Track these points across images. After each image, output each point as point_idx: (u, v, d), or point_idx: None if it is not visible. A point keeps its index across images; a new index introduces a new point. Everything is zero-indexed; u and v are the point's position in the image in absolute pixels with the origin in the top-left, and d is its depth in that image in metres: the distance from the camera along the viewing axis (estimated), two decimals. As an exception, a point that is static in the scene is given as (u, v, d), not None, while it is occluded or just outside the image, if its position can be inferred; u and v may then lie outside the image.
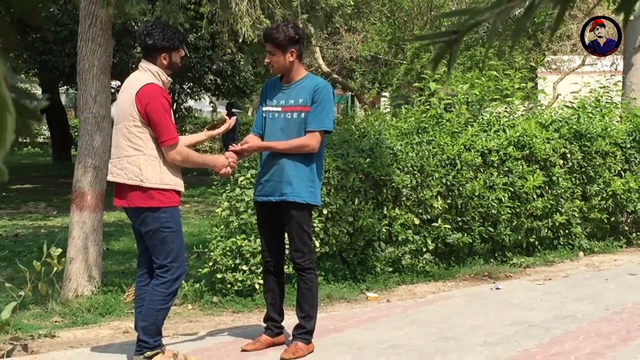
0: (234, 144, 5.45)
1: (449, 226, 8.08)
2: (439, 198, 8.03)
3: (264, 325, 5.59)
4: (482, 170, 8.48)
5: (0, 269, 8.44)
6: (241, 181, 6.94)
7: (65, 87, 26.17)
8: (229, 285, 6.81)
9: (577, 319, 6.33)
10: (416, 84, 11.20)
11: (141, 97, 4.88)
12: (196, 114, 33.81)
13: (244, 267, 6.78)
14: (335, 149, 7.47)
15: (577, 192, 9.39)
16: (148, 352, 4.97)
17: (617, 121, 10.52)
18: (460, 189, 8.17)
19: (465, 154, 8.31)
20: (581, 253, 9.34)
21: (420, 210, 7.91)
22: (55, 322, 6.27)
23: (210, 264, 6.87)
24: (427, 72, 11.10)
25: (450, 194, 8.15)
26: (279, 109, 5.32)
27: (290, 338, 5.46)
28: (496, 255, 8.75)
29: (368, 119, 9.56)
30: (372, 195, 7.60)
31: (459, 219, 8.23)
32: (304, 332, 5.36)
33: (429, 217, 7.98)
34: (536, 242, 9.06)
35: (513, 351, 5.42)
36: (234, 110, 24.31)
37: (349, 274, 7.54)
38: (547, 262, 8.90)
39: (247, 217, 6.79)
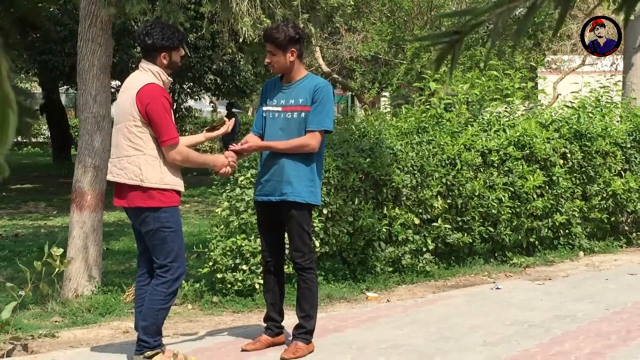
0: (234, 144, 5.45)
1: (449, 226, 8.08)
2: (439, 198, 8.03)
3: (264, 325, 5.59)
4: (482, 170, 8.48)
5: (0, 268, 8.44)
6: (241, 181, 6.94)
7: (65, 86, 26.17)
8: (229, 285, 6.81)
9: (577, 319, 6.33)
10: (416, 84, 11.21)
11: (142, 97, 4.88)
12: (196, 114, 33.81)
13: (244, 267, 6.78)
14: (335, 148, 7.47)
15: (577, 192, 9.39)
16: (148, 352, 4.97)
17: (617, 121, 10.51)
18: (461, 188, 8.17)
19: (465, 153, 8.31)
20: (581, 253, 9.34)
21: (421, 210, 7.91)
22: (55, 322, 6.27)
23: (210, 263, 6.86)
24: (427, 71, 11.10)
25: (450, 193, 8.15)
26: (279, 108, 5.32)
27: (291, 338, 5.46)
28: (496, 255, 8.75)
29: (368, 119, 9.56)
30: (372, 195, 7.60)
31: (459, 218, 8.23)
32: (304, 332, 5.36)
33: (429, 217, 7.98)
34: (536, 242, 9.06)
35: (513, 351, 5.42)
36: (234, 110, 24.31)
37: (349, 274, 7.54)
38: (547, 262, 8.90)
39: (247, 217, 6.79)
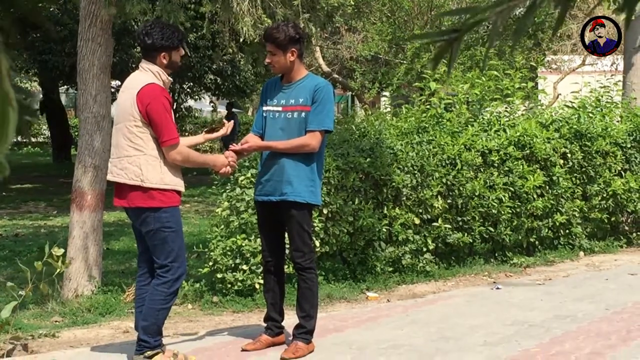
0: (234, 144, 5.45)
1: (449, 226, 8.08)
2: (439, 198, 8.03)
3: (264, 325, 5.59)
4: (482, 170, 8.48)
5: (0, 268, 8.44)
6: (241, 181, 6.94)
7: (65, 86, 26.17)
8: (229, 285, 6.81)
9: (577, 319, 6.33)
10: (416, 84, 11.21)
11: (142, 97, 4.88)
12: (196, 114, 33.81)
13: (244, 267, 6.78)
14: (335, 148, 7.47)
15: (578, 192, 9.38)
16: (148, 352, 4.97)
17: (618, 121, 10.51)
18: (461, 188, 8.17)
19: (465, 153, 8.30)
20: (581, 253, 9.34)
21: (421, 210, 7.91)
22: (56, 321, 6.27)
23: (211, 263, 6.86)
24: (427, 71, 11.10)
25: (450, 193, 8.15)
26: (280, 108, 5.32)
27: (291, 338, 5.46)
28: (496, 255, 8.75)
29: (368, 119, 9.56)
30: (372, 195, 7.60)
31: (459, 218, 8.23)
32: (304, 331, 5.36)
33: (429, 216, 7.98)
34: (536, 242, 9.06)
35: (513, 351, 5.42)
36: (234, 110, 24.30)
37: (349, 274, 7.54)
38: (547, 262, 8.90)
39: (247, 217, 6.79)
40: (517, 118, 9.52)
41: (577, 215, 9.33)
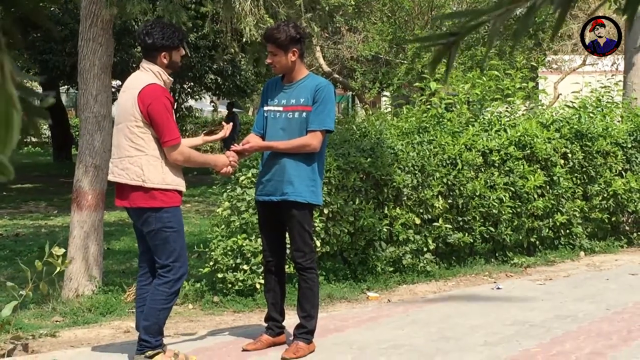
0: (235, 144, 5.45)
1: (450, 226, 8.08)
2: (440, 198, 8.03)
3: (265, 325, 5.59)
4: (483, 170, 8.48)
5: (1, 268, 8.44)
6: (242, 180, 6.94)
7: (66, 86, 26.17)
8: (230, 285, 6.81)
9: (578, 319, 6.33)
10: (417, 84, 11.20)
11: (143, 97, 4.88)
12: (197, 114, 33.81)
13: (245, 267, 6.78)
14: (336, 148, 7.47)
15: (578, 192, 9.38)
16: (149, 352, 4.97)
17: (618, 121, 10.51)
18: (461, 188, 8.17)
19: (466, 153, 8.30)
20: (582, 253, 9.34)
21: (421, 210, 7.91)
22: (56, 321, 6.27)
23: (211, 263, 6.86)
24: (427, 71, 11.09)
25: (451, 193, 8.15)
26: (281, 108, 5.32)
27: (291, 338, 5.46)
28: (497, 255, 8.74)
29: (369, 119, 9.55)
30: (373, 195, 7.60)
31: (459, 218, 8.23)
32: (305, 331, 5.36)
33: (429, 216, 7.98)
34: (537, 242, 9.06)
35: (514, 351, 5.42)
36: (234, 109, 24.31)
37: (350, 274, 7.54)
38: (548, 262, 8.89)
39: (248, 217, 6.79)
40: (518, 118, 9.52)
41: (577, 215, 9.33)
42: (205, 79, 22.03)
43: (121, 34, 16.83)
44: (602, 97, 10.48)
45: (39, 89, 23.08)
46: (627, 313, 6.56)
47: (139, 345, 5.00)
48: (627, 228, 10.25)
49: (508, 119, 9.32)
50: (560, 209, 9.11)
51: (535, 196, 8.76)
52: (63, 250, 5.93)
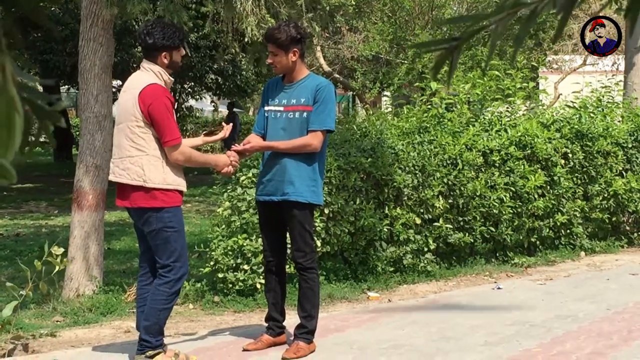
0: (236, 144, 5.46)
1: (451, 226, 8.08)
2: (441, 198, 8.03)
3: (266, 324, 5.59)
4: (483, 170, 8.48)
5: (1, 268, 8.44)
6: (242, 180, 6.94)
7: (67, 86, 26.17)
8: (231, 285, 6.81)
9: (578, 319, 6.33)
10: (417, 84, 11.20)
11: (144, 97, 4.88)
12: (197, 114, 33.79)
13: (246, 267, 6.78)
14: (336, 148, 7.47)
15: (579, 192, 9.38)
16: (150, 352, 4.97)
17: (619, 121, 10.50)
18: (462, 188, 8.16)
19: (466, 153, 8.30)
20: (582, 253, 9.34)
21: (422, 210, 7.91)
22: (57, 321, 6.27)
23: (212, 263, 6.86)
24: (428, 71, 11.09)
25: (451, 193, 8.15)
26: (281, 108, 5.32)
27: (292, 338, 5.46)
28: (497, 255, 8.74)
29: (369, 119, 9.55)
30: (373, 195, 7.60)
31: (460, 218, 8.23)
32: (306, 331, 5.36)
33: (430, 216, 7.98)
34: (537, 242, 9.06)
35: (514, 351, 5.42)
36: (235, 109, 24.31)
37: (351, 274, 7.54)
38: (548, 262, 8.89)
39: (248, 217, 6.79)
40: (518, 118, 9.52)
41: (578, 215, 9.32)
42: (206, 78, 22.03)
43: (122, 34, 16.84)
44: (603, 97, 10.48)
45: (40, 89, 23.10)
46: (627, 313, 6.56)
47: (140, 345, 5.00)
48: (627, 228, 10.25)
49: (508, 119, 9.32)
50: (561, 209, 9.11)
51: (536, 196, 8.76)
52: (62, 249, 5.94)
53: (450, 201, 8.13)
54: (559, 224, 9.11)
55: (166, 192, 4.93)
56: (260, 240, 6.35)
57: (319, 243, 7.05)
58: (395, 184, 7.64)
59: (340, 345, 5.55)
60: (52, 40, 18.50)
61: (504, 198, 8.42)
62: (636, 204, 9.87)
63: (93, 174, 6.82)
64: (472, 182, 8.24)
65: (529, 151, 8.86)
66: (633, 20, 1.33)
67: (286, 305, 5.75)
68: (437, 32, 16.26)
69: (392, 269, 7.71)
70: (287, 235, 5.49)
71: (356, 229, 7.39)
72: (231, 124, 5.76)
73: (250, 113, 38.67)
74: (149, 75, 5.00)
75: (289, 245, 5.60)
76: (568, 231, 9.34)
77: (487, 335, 5.83)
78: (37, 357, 5.36)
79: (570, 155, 9.30)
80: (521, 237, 8.79)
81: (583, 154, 9.41)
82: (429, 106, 9.04)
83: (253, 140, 5.37)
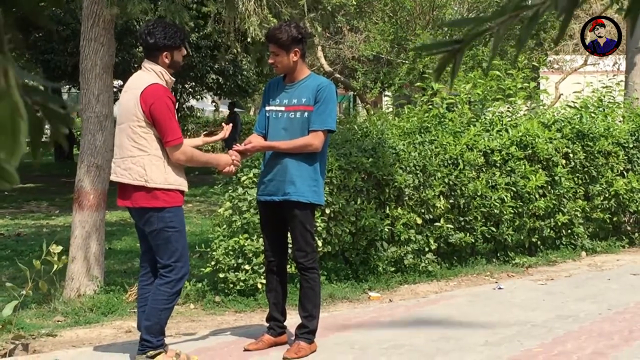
0: (237, 144, 5.46)
1: (452, 226, 8.08)
2: (442, 198, 8.03)
3: (267, 324, 5.59)
4: (484, 170, 8.48)
5: (2, 268, 8.44)
6: (244, 180, 6.94)
7: (68, 86, 26.17)
8: (232, 285, 6.81)
9: (579, 319, 6.33)
10: (419, 84, 11.20)
11: (146, 97, 4.88)
12: (198, 114, 33.78)
13: (247, 267, 6.78)
14: (337, 148, 7.47)
15: (580, 192, 9.38)
16: (151, 352, 4.97)
17: (620, 121, 10.50)
18: (463, 188, 8.16)
19: (467, 153, 8.30)
20: (583, 253, 9.33)
21: (423, 210, 7.91)
22: (58, 321, 6.27)
23: (213, 263, 6.87)
24: (429, 71, 11.09)
25: (452, 193, 8.15)
26: (282, 108, 5.32)
27: (293, 338, 5.46)
28: (498, 255, 8.74)
29: (370, 119, 9.55)
30: (374, 195, 7.60)
31: (461, 218, 8.23)
32: (307, 331, 5.36)
33: (431, 216, 7.98)
34: (538, 242, 9.05)
35: (515, 351, 5.42)
36: (236, 109, 24.31)
37: (352, 274, 7.54)
38: (549, 262, 8.89)
39: (249, 217, 6.79)
40: (519, 118, 9.52)
41: (579, 215, 9.32)
42: (207, 78, 22.02)
43: (123, 34, 16.84)
44: (604, 97, 10.48)
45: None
46: (628, 313, 6.56)
47: (141, 345, 5.01)
48: (628, 228, 10.25)
49: (509, 119, 9.32)
50: (562, 209, 9.11)
51: (537, 196, 8.76)
52: (60, 247, 5.94)
53: (451, 201, 8.13)
54: (560, 224, 9.11)
55: (167, 192, 4.93)
56: (261, 240, 6.35)
57: (320, 243, 7.05)
58: (396, 184, 7.64)
59: (341, 345, 5.55)
60: (53, 40, 18.49)
61: (505, 198, 8.42)
62: (637, 204, 9.87)
63: (94, 174, 6.82)
64: (473, 182, 8.23)
65: (530, 151, 8.85)
66: (634, 21, 1.33)
67: (287, 305, 5.76)
68: (438, 33, 16.26)
69: (393, 269, 7.71)
70: (288, 235, 5.49)
71: (357, 229, 7.39)
72: (231, 124, 5.76)
73: (251, 113, 38.67)
74: (150, 75, 5.01)
75: (290, 245, 5.61)
76: (569, 231, 9.34)
77: (488, 335, 5.83)
78: (38, 357, 5.37)
79: (571, 155, 9.30)
80: (522, 237, 8.79)
81: (584, 154, 9.41)
82: (430, 106, 9.05)
83: (254, 140, 5.37)
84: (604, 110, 10.27)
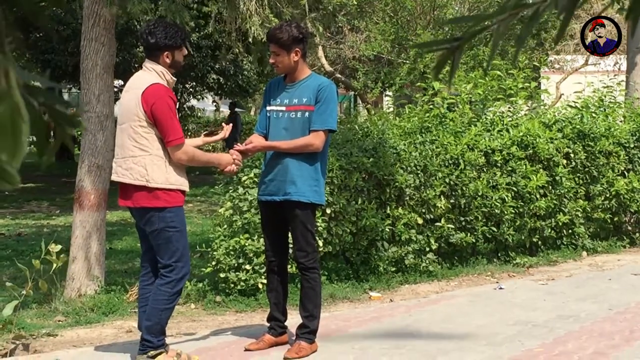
0: (238, 144, 5.46)
1: (452, 226, 8.07)
2: (442, 198, 8.03)
3: (267, 324, 5.59)
4: (485, 170, 8.48)
5: (3, 268, 8.44)
6: (244, 180, 6.94)
7: (68, 86, 26.17)
8: (232, 285, 6.81)
9: (580, 319, 6.32)
10: (419, 84, 11.20)
11: (147, 97, 4.88)
12: (199, 114, 33.79)
13: (247, 267, 6.78)
14: (338, 148, 7.47)
15: (581, 192, 9.38)
16: (151, 352, 4.97)
17: (621, 121, 10.50)
18: (464, 188, 8.16)
19: (468, 153, 8.30)
20: (584, 253, 9.33)
21: (424, 210, 7.91)
22: (59, 321, 6.27)
23: (214, 263, 6.86)
24: (430, 71, 11.08)
25: (453, 193, 8.15)
26: (283, 108, 5.32)
27: (294, 337, 5.46)
28: (499, 255, 8.74)
29: (371, 119, 9.55)
30: (375, 195, 7.59)
31: (462, 218, 8.22)
32: (307, 331, 5.36)
33: (432, 216, 7.98)
34: (539, 242, 9.05)
35: (516, 351, 5.41)
36: (236, 109, 24.31)
37: (352, 274, 7.54)
38: (550, 262, 8.89)
39: (250, 217, 6.79)
40: (520, 118, 9.51)
41: (580, 215, 9.32)
42: (208, 78, 22.02)
43: (123, 34, 16.84)
44: (605, 97, 10.48)
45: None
46: (629, 313, 6.55)
47: (141, 345, 5.00)
48: (629, 228, 10.25)
49: (510, 119, 9.32)
50: (563, 209, 9.10)
51: (538, 196, 8.76)
52: (60, 246, 5.94)
53: (452, 201, 8.13)
54: (560, 224, 9.11)
55: (169, 192, 4.93)
56: (262, 240, 6.35)
57: (320, 243, 7.05)
58: (397, 184, 7.64)
59: (342, 345, 5.55)
60: (53, 40, 18.49)
61: (506, 198, 8.42)
62: (638, 204, 9.87)
63: (95, 174, 6.82)
64: (474, 182, 8.23)
65: (530, 151, 8.85)
66: (635, 21, 1.33)
67: (288, 305, 5.75)
68: (439, 32, 16.26)
69: (393, 269, 7.71)
70: (289, 235, 5.49)
71: (358, 229, 7.39)
72: (231, 124, 5.76)
73: (252, 113, 38.68)
74: (151, 75, 5.00)
75: (290, 245, 5.61)
76: (570, 231, 9.34)
77: (488, 335, 5.82)
78: (39, 356, 5.36)
79: (572, 155, 9.29)
80: (523, 237, 8.79)
81: (585, 154, 9.41)
82: (431, 106, 9.05)
83: (255, 140, 5.37)
84: (604, 110, 10.26)
